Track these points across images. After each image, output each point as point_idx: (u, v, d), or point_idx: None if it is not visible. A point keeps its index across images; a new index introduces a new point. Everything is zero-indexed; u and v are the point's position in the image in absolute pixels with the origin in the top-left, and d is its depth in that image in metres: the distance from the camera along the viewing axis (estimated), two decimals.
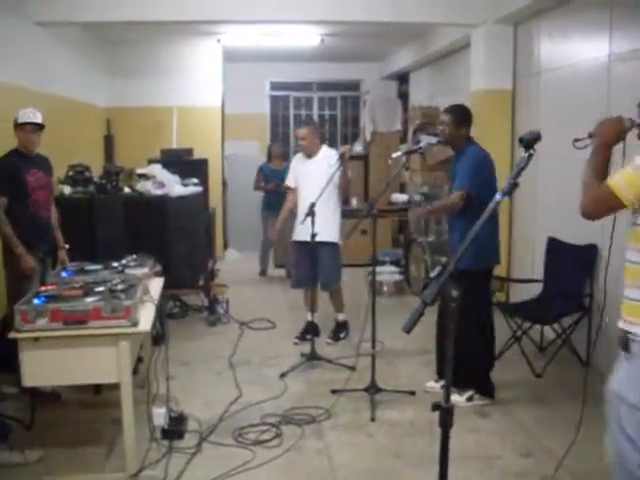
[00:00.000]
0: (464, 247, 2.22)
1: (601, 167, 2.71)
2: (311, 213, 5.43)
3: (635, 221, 2.67)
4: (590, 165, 2.74)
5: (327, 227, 5.83)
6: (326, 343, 6.55)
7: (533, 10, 6.73)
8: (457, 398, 4.86)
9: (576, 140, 2.88)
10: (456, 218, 4.91)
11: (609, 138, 2.75)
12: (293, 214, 6.65)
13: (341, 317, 6.76)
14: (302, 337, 6.54)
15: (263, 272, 9.92)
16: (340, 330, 6.71)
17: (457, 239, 4.90)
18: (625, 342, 2.64)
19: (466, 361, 4.52)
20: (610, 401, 2.74)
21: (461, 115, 4.96)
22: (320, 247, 6.06)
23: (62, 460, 4.12)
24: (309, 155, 6.43)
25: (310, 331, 6.22)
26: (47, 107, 6.53)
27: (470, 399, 4.97)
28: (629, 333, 2.63)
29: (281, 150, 9.90)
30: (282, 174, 7.68)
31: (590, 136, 2.83)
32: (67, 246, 5.50)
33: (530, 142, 2.35)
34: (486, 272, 4.94)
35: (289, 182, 6.65)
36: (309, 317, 6.51)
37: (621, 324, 2.70)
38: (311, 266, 6.08)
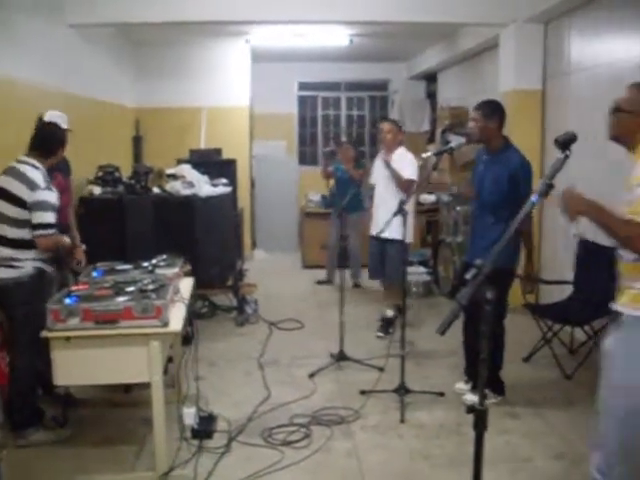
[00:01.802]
0: (500, 247, 2.22)
1: (613, 219, 2.77)
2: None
3: None
4: (612, 226, 2.78)
5: (393, 224, 5.80)
6: (376, 336, 6.72)
7: (564, 8, 6.66)
8: (471, 397, 4.91)
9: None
10: (494, 220, 4.84)
11: (586, 212, 2.78)
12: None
13: (389, 313, 6.88)
14: (385, 331, 6.81)
15: (329, 281, 9.17)
16: (389, 325, 6.85)
17: (490, 242, 4.84)
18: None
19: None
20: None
21: (489, 109, 4.90)
22: (386, 243, 6.47)
23: (93, 458, 4.16)
24: (388, 150, 6.71)
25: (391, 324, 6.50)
26: (77, 108, 6.61)
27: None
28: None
29: (349, 153, 8.84)
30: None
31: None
32: (84, 246, 5.48)
33: (566, 143, 2.33)
34: (510, 271, 4.89)
35: (372, 180, 6.97)
36: (388, 313, 6.78)
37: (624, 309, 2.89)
38: (380, 261, 6.64)
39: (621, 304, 2.93)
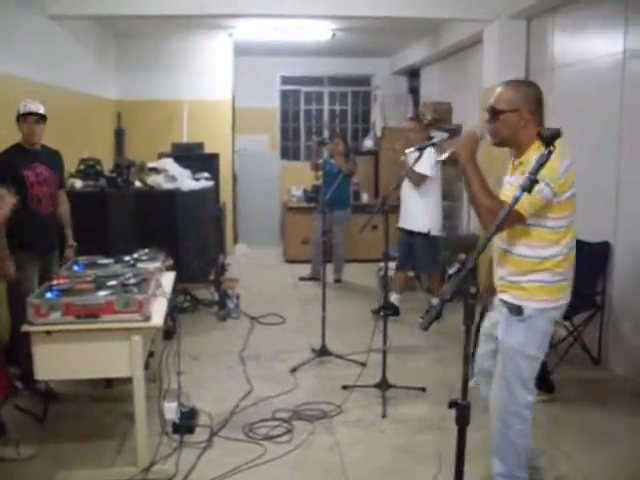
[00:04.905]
0: (483, 245, 2.23)
1: (479, 179, 3.14)
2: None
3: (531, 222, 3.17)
4: (472, 181, 3.15)
5: (416, 218, 5.86)
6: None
7: (547, 5, 6.69)
8: None
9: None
10: None
11: (465, 156, 3.20)
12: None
13: (434, 301, 7.03)
14: (377, 311, 6.86)
15: (313, 278, 9.01)
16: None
17: None
18: (519, 309, 3.21)
19: None
20: (510, 356, 3.32)
21: None
22: (414, 236, 6.75)
23: (74, 454, 4.13)
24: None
25: (389, 309, 6.37)
26: (58, 100, 6.56)
27: None
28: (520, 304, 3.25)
29: (340, 147, 8.83)
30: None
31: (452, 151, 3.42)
32: (75, 244, 5.46)
33: (550, 138, 2.33)
34: None
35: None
36: (392, 297, 6.90)
37: (509, 298, 3.29)
38: (407, 252, 6.83)
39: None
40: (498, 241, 3.36)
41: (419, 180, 6.71)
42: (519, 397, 3.39)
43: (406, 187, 6.94)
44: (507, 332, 3.32)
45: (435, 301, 7.09)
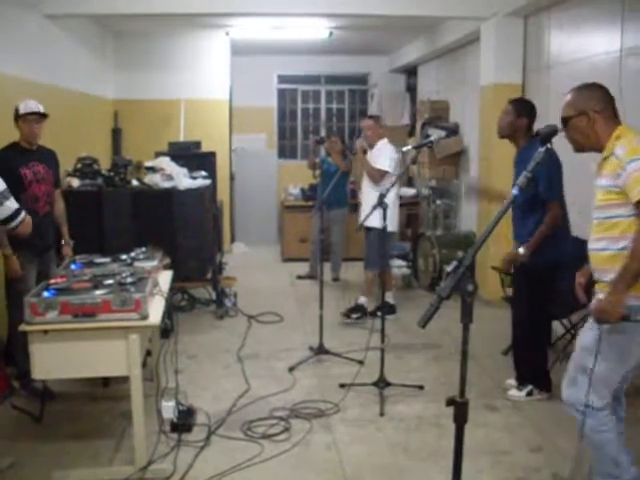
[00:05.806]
0: (480, 242, 2.22)
1: (628, 270, 2.96)
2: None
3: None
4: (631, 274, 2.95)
5: (374, 214, 5.89)
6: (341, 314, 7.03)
7: (544, 2, 6.69)
8: (517, 393, 4.97)
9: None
10: (530, 214, 4.75)
11: (622, 302, 2.98)
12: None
13: (361, 300, 7.14)
14: (373, 313, 6.93)
15: (311, 276, 8.98)
16: (356, 311, 7.10)
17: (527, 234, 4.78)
18: None
19: (525, 356, 4.91)
20: (582, 350, 3.39)
21: (522, 106, 4.86)
22: (367, 231, 6.77)
23: (71, 453, 4.13)
24: (370, 145, 7.00)
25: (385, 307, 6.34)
26: (55, 99, 6.55)
27: (530, 394, 4.97)
28: None
29: (337, 146, 8.83)
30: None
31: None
32: (72, 242, 5.45)
33: (547, 136, 2.33)
34: (543, 267, 4.76)
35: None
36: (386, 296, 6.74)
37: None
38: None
39: None
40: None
41: (378, 176, 6.73)
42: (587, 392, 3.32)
43: (365, 184, 7.03)
44: (590, 326, 3.27)
45: (362, 300, 7.15)
